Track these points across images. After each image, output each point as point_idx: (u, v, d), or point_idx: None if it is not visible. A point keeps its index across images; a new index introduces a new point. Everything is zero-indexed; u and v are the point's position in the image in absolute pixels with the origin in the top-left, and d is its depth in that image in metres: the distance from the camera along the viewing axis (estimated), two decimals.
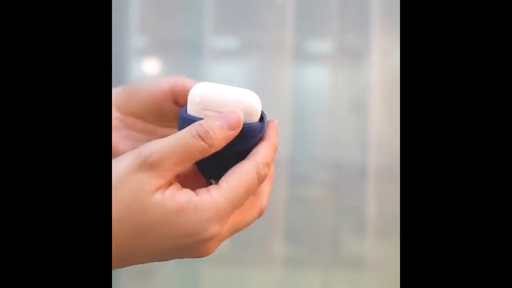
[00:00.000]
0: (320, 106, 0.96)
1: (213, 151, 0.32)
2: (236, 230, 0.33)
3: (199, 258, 0.32)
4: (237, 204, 0.31)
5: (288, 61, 0.90)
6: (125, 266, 0.31)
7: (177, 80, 0.39)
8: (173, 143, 0.31)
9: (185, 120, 0.34)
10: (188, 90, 0.35)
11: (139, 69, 0.97)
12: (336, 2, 0.92)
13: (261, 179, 0.32)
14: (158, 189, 0.30)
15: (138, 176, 0.29)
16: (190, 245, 0.30)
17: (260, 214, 0.35)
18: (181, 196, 0.30)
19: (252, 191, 0.32)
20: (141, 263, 0.31)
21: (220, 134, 0.32)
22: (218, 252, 0.32)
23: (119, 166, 0.30)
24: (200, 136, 0.31)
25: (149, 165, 0.29)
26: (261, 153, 0.33)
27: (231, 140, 0.33)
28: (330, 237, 0.95)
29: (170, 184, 0.31)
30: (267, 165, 0.33)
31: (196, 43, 0.92)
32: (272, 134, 0.35)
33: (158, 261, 0.31)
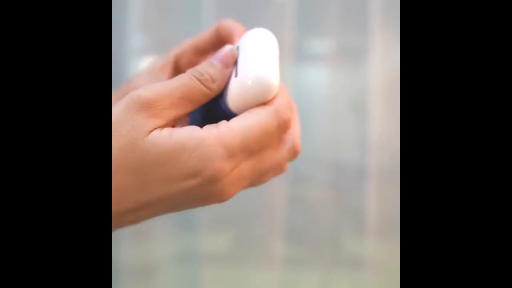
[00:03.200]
0: (320, 106, 0.96)
1: (213, 94, 0.29)
2: (259, 172, 0.29)
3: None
4: (250, 145, 0.27)
5: (288, 61, 0.90)
6: (131, 222, 0.28)
7: (194, 39, 0.39)
8: (170, 84, 0.28)
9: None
10: (204, 41, 0.36)
11: (139, 69, 0.97)
12: (336, 2, 0.92)
13: (282, 125, 0.28)
14: (154, 128, 0.27)
15: (133, 117, 0.27)
16: (197, 188, 0.27)
17: (294, 154, 0.30)
18: (181, 132, 0.27)
19: (270, 137, 0.28)
20: (149, 216, 0.28)
21: (215, 74, 0.29)
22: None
23: (115, 109, 0.27)
24: (196, 78, 0.29)
25: (143, 104, 0.27)
26: (281, 95, 0.29)
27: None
28: (330, 237, 0.95)
29: (169, 126, 0.28)
30: (289, 107, 0.29)
31: None
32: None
33: (167, 212, 0.29)
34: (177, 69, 0.39)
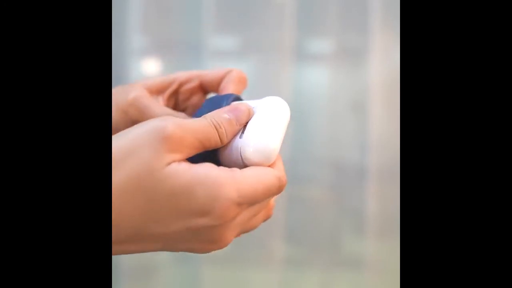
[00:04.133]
0: (320, 106, 0.96)
1: (220, 145, 0.30)
2: (252, 224, 0.31)
3: (203, 254, 0.30)
4: (256, 197, 0.29)
5: (288, 61, 0.90)
6: (132, 251, 0.28)
7: (202, 74, 0.40)
8: (194, 124, 0.29)
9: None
10: (210, 81, 0.38)
11: (139, 69, 0.97)
12: (336, 2, 0.92)
13: (282, 185, 0.30)
14: (173, 161, 0.27)
15: (155, 146, 0.27)
16: (204, 228, 0.27)
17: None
18: (199, 168, 0.27)
19: (271, 195, 0.30)
20: (150, 249, 0.28)
21: (229, 130, 0.31)
22: (218, 252, 0.31)
23: (134, 131, 0.27)
24: (215, 127, 0.30)
25: (168, 138, 0.27)
26: (278, 164, 0.31)
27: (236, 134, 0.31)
28: (330, 237, 0.95)
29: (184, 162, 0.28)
30: (284, 176, 0.31)
31: (196, 43, 0.92)
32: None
33: (169, 249, 0.29)
34: (175, 93, 0.41)
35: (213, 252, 0.30)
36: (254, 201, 0.29)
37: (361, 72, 0.95)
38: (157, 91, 0.40)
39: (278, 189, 0.30)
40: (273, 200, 0.34)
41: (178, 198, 0.27)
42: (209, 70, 0.41)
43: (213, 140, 0.30)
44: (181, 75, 0.41)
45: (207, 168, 0.28)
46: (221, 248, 0.29)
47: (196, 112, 0.37)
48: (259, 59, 0.95)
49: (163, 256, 0.95)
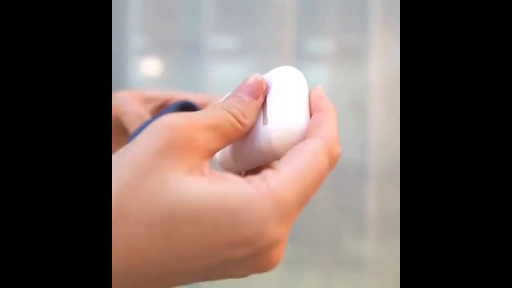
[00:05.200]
0: None
1: (246, 129, 0.25)
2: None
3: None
4: (307, 196, 0.23)
5: (288, 61, 0.90)
6: None
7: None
8: (200, 115, 0.23)
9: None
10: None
11: (139, 69, 0.97)
12: (336, 2, 0.92)
13: (333, 159, 0.24)
14: (191, 170, 0.21)
15: (158, 162, 0.21)
16: (246, 258, 0.21)
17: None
18: (225, 187, 0.21)
19: (323, 178, 0.24)
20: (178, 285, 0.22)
21: (244, 108, 0.25)
22: None
23: (135, 151, 0.21)
24: (226, 110, 0.24)
25: (174, 143, 0.21)
26: (327, 127, 0.25)
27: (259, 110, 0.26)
28: (330, 237, 0.95)
29: (203, 169, 0.22)
30: (337, 141, 0.25)
31: (196, 43, 0.92)
32: (325, 101, 0.27)
33: (203, 280, 0.22)
34: (161, 107, 0.40)
35: (278, 264, 0.25)
36: (306, 199, 0.23)
37: (361, 72, 0.95)
38: (144, 101, 0.39)
39: (331, 165, 0.24)
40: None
41: (203, 225, 0.20)
42: (192, 93, 0.39)
43: (232, 126, 0.24)
44: (166, 93, 0.40)
45: (235, 185, 0.21)
46: (270, 269, 0.23)
47: (142, 124, 0.35)
48: (259, 59, 0.95)
49: None
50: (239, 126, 0.25)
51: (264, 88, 0.27)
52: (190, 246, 0.20)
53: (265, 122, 0.27)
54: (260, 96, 0.26)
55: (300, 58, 0.94)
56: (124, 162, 0.21)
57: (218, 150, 0.24)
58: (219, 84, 0.91)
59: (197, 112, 0.24)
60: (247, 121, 0.25)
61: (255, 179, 0.22)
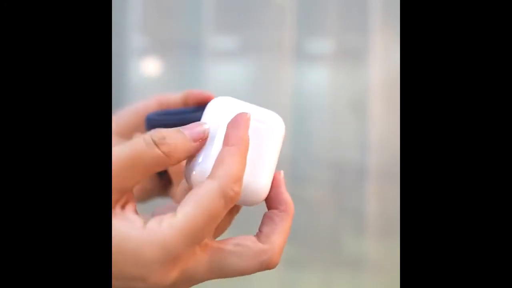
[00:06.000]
0: (320, 106, 0.96)
1: (171, 163, 0.27)
2: (220, 261, 0.27)
3: None
4: (195, 237, 0.25)
5: (288, 61, 0.90)
6: None
7: (162, 95, 0.39)
8: (121, 151, 0.26)
9: (150, 122, 0.32)
10: (172, 101, 0.35)
11: (139, 69, 0.97)
12: (336, 2, 0.92)
13: (229, 200, 0.26)
14: (122, 208, 0.26)
15: None
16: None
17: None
18: (121, 225, 0.25)
19: (217, 217, 0.26)
20: None
21: (180, 144, 0.27)
22: None
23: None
24: (155, 143, 0.26)
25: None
26: (226, 165, 0.26)
27: (193, 154, 0.28)
28: (330, 237, 0.95)
29: (120, 204, 0.26)
30: (237, 179, 0.26)
31: (196, 43, 0.92)
32: (236, 132, 0.27)
33: None
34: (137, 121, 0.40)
35: None
36: (195, 243, 0.25)
37: (361, 72, 0.95)
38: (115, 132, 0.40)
39: (227, 205, 0.26)
40: (278, 239, 0.30)
41: (114, 258, 0.24)
42: (168, 94, 0.40)
43: (152, 158, 0.26)
44: (142, 103, 0.41)
45: (129, 228, 0.25)
46: None
47: None
48: (259, 59, 0.95)
49: None
50: (165, 161, 0.26)
51: (205, 136, 0.28)
52: (114, 270, 0.24)
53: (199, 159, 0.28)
54: (199, 142, 0.28)
55: (300, 58, 0.94)
56: None
57: (139, 182, 0.27)
58: (219, 84, 0.91)
59: (118, 149, 0.26)
60: (175, 155, 0.26)
61: (153, 222, 0.25)
